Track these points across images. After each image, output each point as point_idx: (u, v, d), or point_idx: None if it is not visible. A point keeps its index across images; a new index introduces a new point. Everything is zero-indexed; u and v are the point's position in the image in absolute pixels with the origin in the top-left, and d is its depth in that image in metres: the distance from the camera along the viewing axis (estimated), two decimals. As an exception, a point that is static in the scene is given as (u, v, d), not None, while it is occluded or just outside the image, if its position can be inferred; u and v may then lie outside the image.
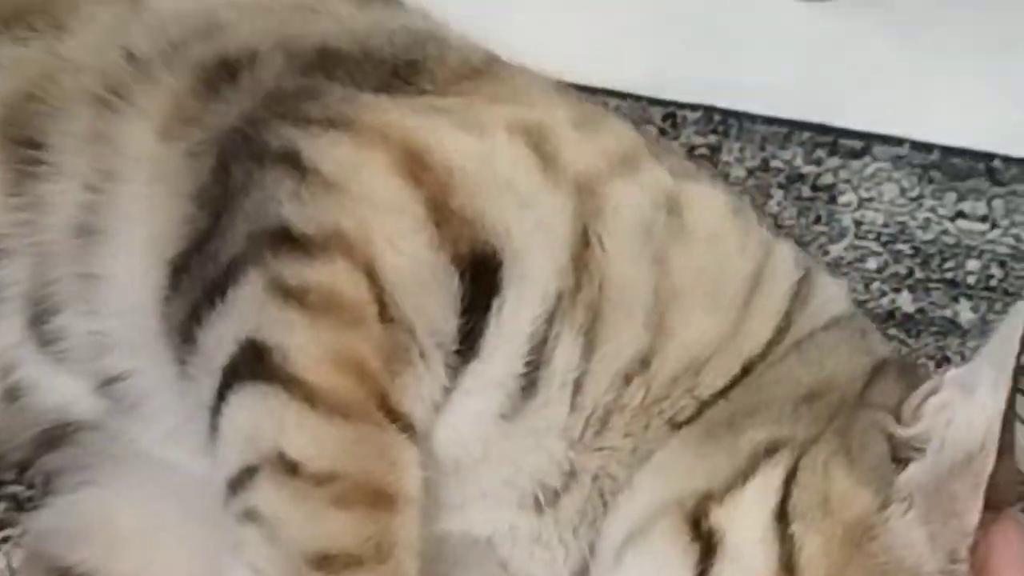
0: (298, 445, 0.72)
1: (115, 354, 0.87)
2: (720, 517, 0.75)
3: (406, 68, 0.88)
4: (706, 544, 0.75)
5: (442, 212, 0.77)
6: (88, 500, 0.91)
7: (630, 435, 0.80)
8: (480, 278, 0.77)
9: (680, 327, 0.80)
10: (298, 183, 0.77)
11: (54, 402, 0.90)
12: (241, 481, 0.73)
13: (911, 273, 1.23)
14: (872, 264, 1.24)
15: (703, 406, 0.81)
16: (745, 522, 0.75)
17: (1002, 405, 0.76)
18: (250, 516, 0.72)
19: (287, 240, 0.76)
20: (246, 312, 0.75)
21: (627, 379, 0.80)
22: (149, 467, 0.88)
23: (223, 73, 0.88)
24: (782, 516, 0.75)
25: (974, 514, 0.76)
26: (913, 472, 0.78)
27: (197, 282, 0.78)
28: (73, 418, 0.90)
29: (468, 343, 0.77)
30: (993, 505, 0.77)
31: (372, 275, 0.75)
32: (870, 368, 0.87)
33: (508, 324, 0.77)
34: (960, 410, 0.77)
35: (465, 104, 0.85)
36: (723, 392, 0.83)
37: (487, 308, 0.77)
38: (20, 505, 1.02)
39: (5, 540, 1.01)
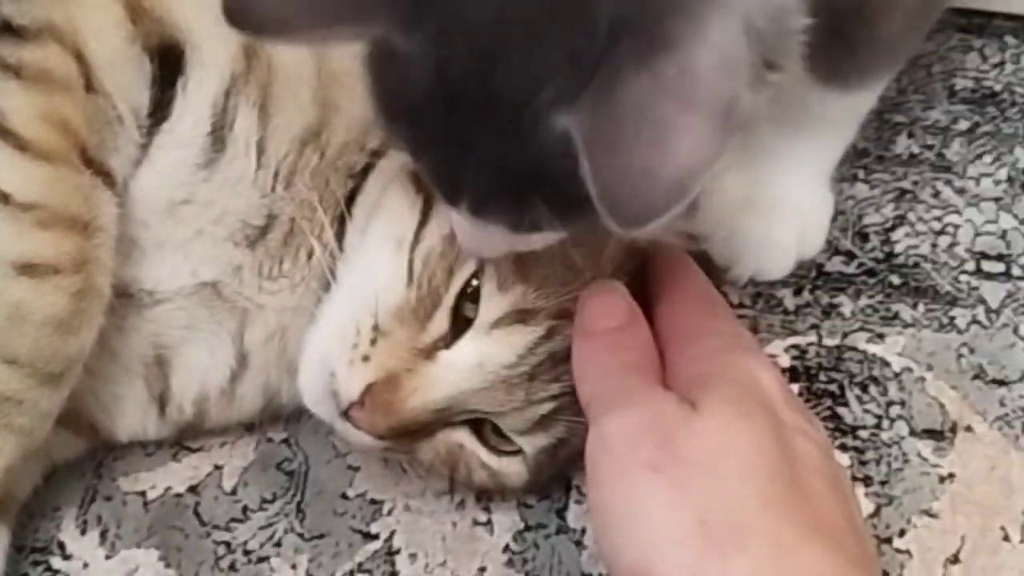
0: (9, 180, 0.87)
1: None
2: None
3: None
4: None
5: (136, 11, 0.93)
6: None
7: (314, 189, 0.95)
8: (167, 62, 0.93)
9: (345, 103, 0.96)
10: None
11: None
12: None
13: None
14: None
15: (374, 155, 0.97)
16: None
17: None
18: None
19: (7, 30, 0.91)
20: None
21: (303, 144, 0.95)
22: None
23: None
24: None
25: None
26: None
27: None
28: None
29: (160, 110, 0.93)
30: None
31: (79, 57, 0.91)
32: None
33: (192, 95, 0.93)
34: None
35: None
36: None
37: (174, 84, 0.93)
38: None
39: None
